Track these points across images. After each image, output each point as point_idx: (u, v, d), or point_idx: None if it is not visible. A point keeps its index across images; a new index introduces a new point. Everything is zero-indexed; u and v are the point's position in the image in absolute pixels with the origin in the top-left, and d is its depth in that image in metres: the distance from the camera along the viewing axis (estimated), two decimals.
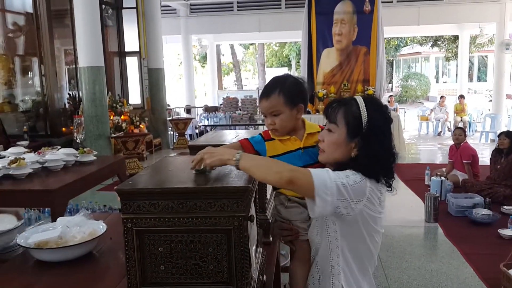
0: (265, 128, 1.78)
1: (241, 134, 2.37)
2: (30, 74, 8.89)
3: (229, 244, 1.22)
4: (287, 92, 1.64)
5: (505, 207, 5.22)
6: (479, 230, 4.76)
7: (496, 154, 5.97)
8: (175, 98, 18.28)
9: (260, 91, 1.76)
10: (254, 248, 1.41)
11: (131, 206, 1.21)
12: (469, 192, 5.63)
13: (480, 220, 4.87)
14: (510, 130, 6.38)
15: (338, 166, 1.49)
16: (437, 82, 29.13)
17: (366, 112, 1.46)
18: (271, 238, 2.00)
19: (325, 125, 1.61)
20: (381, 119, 1.49)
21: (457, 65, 18.91)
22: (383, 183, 1.47)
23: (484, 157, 8.40)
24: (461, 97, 13.44)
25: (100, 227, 1.95)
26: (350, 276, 1.51)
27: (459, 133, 6.46)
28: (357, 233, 1.47)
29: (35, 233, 1.89)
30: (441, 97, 14.17)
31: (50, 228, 1.94)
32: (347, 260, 1.50)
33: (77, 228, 1.90)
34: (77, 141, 7.32)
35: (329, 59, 9.29)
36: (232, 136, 2.24)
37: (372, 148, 1.45)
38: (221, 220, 1.21)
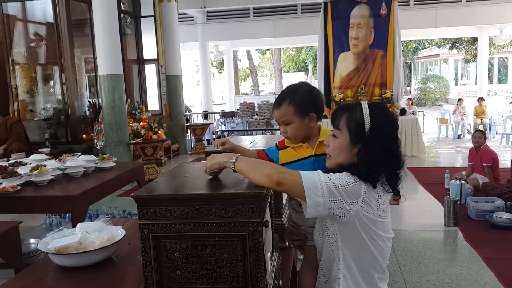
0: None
1: (258, 139, 2.40)
2: (51, 82, 9.07)
3: (244, 249, 1.24)
4: (298, 102, 1.67)
5: None
6: (500, 234, 4.68)
7: None
8: (193, 104, 18.43)
9: (277, 97, 1.80)
10: (269, 253, 1.43)
11: (147, 212, 1.23)
12: (490, 195, 5.54)
13: (501, 223, 4.79)
14: None
15: (339, 169, 1.49)
16: (456, 84, 28.76)
17: (369, 118, 1.46)
18: (287, 243, 2.01)
19: None
20: (385, 124, 1.48)
21: (476, 67, 18.64)
22: (383, 188, 1.46)
23: (505, 159, 8.25)
24: (481, 99, 13.24)
25: (119, 232, 1.98)
26: (351, 282, 1.48)
27: (479, 135, 6.37)
28: (356, 236, 1.45)
29: (55, 239, 1.93)
30: (458, 100, 13.99)
31: (70, 233, 1.98)
32: (348, 265, 1.48)
33: (97, 233, 1.94)
34: (97, 147, 7.43)
35: (346, 63, 9.27)
36: (248, 141, 2.26)
37: (372, 153, 1.44)
38: (236, 225, 1.22)
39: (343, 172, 1.44)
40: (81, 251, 1.82)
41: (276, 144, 1.80)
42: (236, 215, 1.22)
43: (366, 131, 1.45)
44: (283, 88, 1.80)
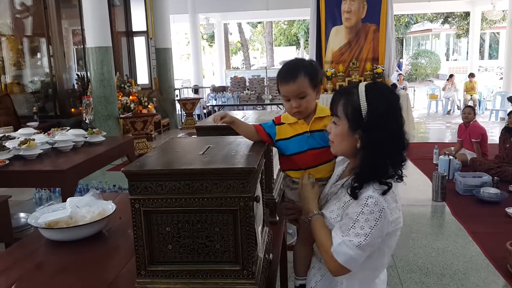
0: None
1: (249, 114, 2.38)
2: (38, 55, 8.91)
3: (235, 224, 1.24)
4: (310, 74, 1.67)
5: None
6: (486, 209, 4.76)
7: (506, 132, 5.92)
8: (183, 78, 18.25)
9: (275, 72, 1.78)
10: (260, 227, 1.43)
11: (138, 187, 1.23)
12: (477, 171, 5.62)
13: (488, 199, 4.87)
14: None
15: (348, 156, 1.53)
16: (447, 59, 28.75)
17: (366, 102, 1.39)
18: (277, 218, 2.02)
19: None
20: (385, 106, 1.41)
21: (468, 42, 18.61)
22: (392, 177, 1.42)
23: (494, 135, 8.34)
24: (471, 75, 13.26)
25: (110, 207, 1.98)
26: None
27: (469, 111, 6.40)
28: (378, 251, 1.46)
29: (45, 213, 1.92)
30: (450, 76, 14.00)
31: (60, 208, 1.98)
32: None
33: (87, 208, 1.94)
34: (86, 121, 7.36)
35: (337, 37, 9.18)
36: (239, 116, 2.24)
37: (374, 138, 1.39)
38: (227, 200, 1.22)
39: (362, 210, 1.38)
40: (71, 225, 1.82)
41: (273, 119, 1.77)
42: (227, 190, 1.21)
43: (363, 116, 1.39)
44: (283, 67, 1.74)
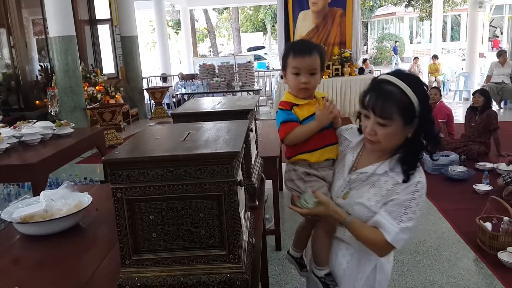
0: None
1: (220, 100, 2.35)
2: None
3: (220, 209, 1.23)
4: (321, 54, 1.68)
5: (479, 163, 5.39)
6: (455, 186, 4.91)
7: (471, 112, 6.10)
8: (150, 67, 17.93)
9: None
10: (243, 212, 1.43)
11: (120, 175, 1.20)
12: (445, 150, 5.78)
13: (456, 176, 5.02)
14: (484, 88, 6.49)
15: (391, 149, 1.53)
16: (411, 42, 29.26)
17: (415, 97, 1.42)
18: (257, 203, 2.03)
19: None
20: (425, 92, 1.47)
21: (431, 25, 18.95)
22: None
23: (458, 115, 8.57)
24: (435, 57, 13.54)
25: (86, 198, 1.94)
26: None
27: (435, 92, 6.55)
28: None
29: (19, 208, 1.87)
30: (414, 58, 14.25)
31: (35, 202, 1.92)
32: None
33: (62, 200, 1.89)
34: (52, 114, 7.17)
35: (305, 22, 9.21)
36: (211, 103, 2.22)
37: (427, 123, 1.47)
38: (211, 186, 1.21)
39: (414, 197, 1.48)
40: (47, 219, 1.77)
41: (281, 109, 1.70)
42: (211, 175, 1.20)
43: (416, 109, 1.43)
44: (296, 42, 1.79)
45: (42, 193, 1.96)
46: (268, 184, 3.55)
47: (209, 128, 1.56)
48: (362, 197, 1.55)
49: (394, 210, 1.48)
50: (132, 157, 1.22)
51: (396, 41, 25.03)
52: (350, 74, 9.21)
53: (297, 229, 1.89)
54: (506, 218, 3.36)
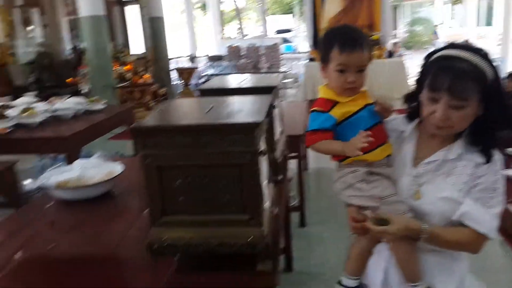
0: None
1: (246, 77, 2.41)
2: (31, 25, 8.81)
3: (242, 177, 1.30)
4: (369, 46, 1.44)
5: (509, 149, 5.30)
6: None
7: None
8: (178, 48, 18.07)
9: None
10: (265, 182, 1.50)
11: (149, 142, 1.28)
12: None
13: None
14: None
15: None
16: (443, 27, 28.51)
17: (490, 70, 1.29)
18: (280, 177, 2.09)
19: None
20: (494, 63, 1.33)
21: (464, 9, 18.44)
22: None
23: None
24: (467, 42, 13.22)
25: (117, 167, 2.04)
26: None
27: None
28: None
29: (55, 175, 1.99)
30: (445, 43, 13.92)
31: (69, 170, 2.04)
32: None
33: (95, 169, 2.01)
34: (83, 92, 7.36)
35: (333, 4, 9.10)
36: (237, 80, 2.29)
37: (500, 95, 1.32)
38: (235, 154, 1.28)
39: (498, 175, 1.34)
40: (81, 186, 1.89)
41: (315, 110, 1.45)
42: (234, 145, 1.27)
43: (491, 84, 1.29)
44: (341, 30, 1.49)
45: (76, 161, 2.08)
46: (293, 164, 3.65)
47: (233, 101, 1.63)
48: (443, 190, 1.36)
49: (481, 196, 1.33)
50: (159, 125, 1.30)
51: (436, 25, 24.45)
52: (378, 58, 9.11)
53: (352, 252, 1.53)
54: None
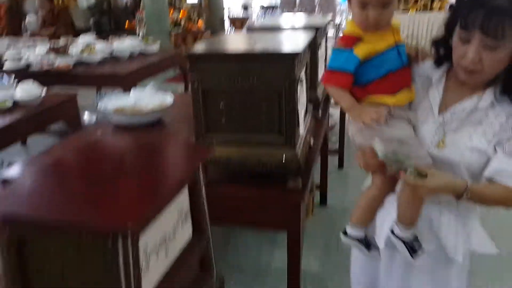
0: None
1: (295, 16, 2.46)
2: None
3: (280, 102, 1.41)
4: None
5: None
6: None
7: None
8: None
9: None
10: (303, 112, 1.61)
11: (197, 68, 1.41)
12: None
13: None
14: None
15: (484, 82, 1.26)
16: None
17: None
18: (320, 114, 2.19)
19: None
20: None
21: None
22: None
23: None
24: None
25: (169, 99, 2.20)
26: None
27: None
28: None
29: (113, 100, 2.17)
30: None
31: (125, 98, 2.21)
32: None
33: (149, 98, 2.17)
34: (139, 36, 7.58)
35: None
36: (285, 19, 2.35)
37: None
38: (275, 81, 1.39)
39: None
40: (137, 112, 2.06)
41: (338, 49, 1.32)
42: (275, 72, 1.38)
43: None
44: None
45: (132, 90, 2.25)
46: (337, 113, 3.74)
47: (277, 35, 1.72)
48: (471, 139, 1.26)
49: None
50: (208, 52, 1.42)
51: None
52: (440, 9, 8.68)
53: (362, 202, 1.45)
54: None
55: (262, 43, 1.53)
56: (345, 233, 1.48)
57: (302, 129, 1.56)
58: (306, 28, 2.06)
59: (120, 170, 0.70)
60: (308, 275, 2.41)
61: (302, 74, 1.58)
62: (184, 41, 7.71)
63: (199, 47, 1.50)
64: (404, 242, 1.34)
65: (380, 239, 1.45)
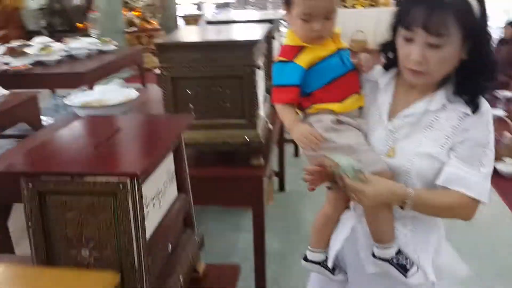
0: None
1: (249, 12, 2.63)
2: None
3: (242, 87, 1.56)
4: None
5: (498, 91, 5.59)
6: None
7: (500, 44, 6.14)
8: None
9: None
10: (262, 96, 1.76)
11: (165, 57, 1.54)
12: None
13: None
14: None
15: (435, 83, 1.18)
16: None
17: (479, 4, 1.09)
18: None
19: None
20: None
21: None
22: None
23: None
24: None
25: (133, 93, 2.30)
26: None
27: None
28: None
29: (79, 96, 2.25)
30: None
31: (90, 93, 2.30)
32: None
33: (113, 93, 2.27)
34: (93, 36, 7.53)
35: None
36: (240, 14, 2.50)
37: (486, 38, 1.13)
38: (237, 68, 1.54)
39: (487, 126, 1.15)
40: (103, 105, 2.16)
41: (281, 61, 1.26)
42: (236, 59, 1.53)
43: (476, 18, 1.09)
44: None
45: (96, 86, 2.34)
46: None
47: (236, 27, 1.88)
48: (422, 145, 1.17)
49: (470, 153, 1.13)
50: (175, 41, 1.56)
51: None
52: (385, 5, 8.99)
53: (315, 224, 1.38)
54: (506, 133, 3.87)
55: (223, 34, 1.68)
56: (305, 258, 1.38)
57: (262, 112, 1.72)
58: (261, 21, 2.23)
59: (117, 139, 0.82)
60: (271, 254, 2.58)
61: (260, 62, 1.74)
62: (139, 40, 7.72)
63: (167, 37, 1.63)
64: (390, 263, 1.22)
65: (330, 259, 1.35)
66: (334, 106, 1.24)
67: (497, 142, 3.72)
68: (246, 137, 1.58)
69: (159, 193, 0.81)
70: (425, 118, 1.18)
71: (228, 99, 1.58)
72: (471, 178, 1.12)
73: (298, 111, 1.29)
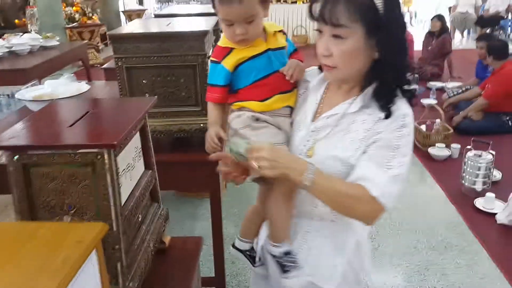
0: None
1: (195, 6, 2.71)
2: None
3: (195, 76, 1.66)
4: None
5: (431, 82, 5.98)
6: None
7: (429, 37, 6.58)
8: None
9: None
10: None
11: (120, 48, 1.61)
12: None
13: None
14: (441, 14, 6.91)
15: (351, 81, 1.18)
16: None
17: None
18: None
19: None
20: None
21: None
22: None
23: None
24: None
25: (84, 86, 2.33)
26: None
27: None
28: None
29: (30, 91, 2.25)
30: None
31: (41, 87, 2.31)
32: None
33: (64, 86, 2.29)
34: (32, 32, 7.29)
35: None
36: (188, 8, 2.58)
37: (397, 36, 1.11)
38: (189, 57, 1.63)
39: (400, 130, 1.12)
40: (55, 98, 2.17)
41: (212, 60, 1.32)
42: (189, 49, 1.62)
43: (380, 13, 1.07)
44: None
45: (46, 81, 2.35)
46: None
47: (186, 20, 1.97)
48: (336, 148, 1.17)
49: (378, 154, 1.12)
50: (129, 32, 1.63)
51: None
52: (295, 3, 8.92)
53: (246, 214, 1.43)
54: (438, 120, 4.13)
55: (174, 26, 1.76)
56: (233, 245, 1.43)
57: None
58: (207, 15, 2.32)
59: (89, 119, 0.90)
60: (227, 238, 2.71)
61: (210, 49, 1.84)
62: (80, 36, 7.55)
63: (121, 29, 1.70)
64: (275, 260, 1.25)
65: (256, 253, 1.40)
66: (253, 104, 1.27)
67: (429, 128, 4.05)
68: (200, 123, 1.68)
69: (130, 167, 0.90)
70: (344, 121, 1.18)
71: (183, 87, 1.67)
72: (376, 178, 1.09)
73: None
